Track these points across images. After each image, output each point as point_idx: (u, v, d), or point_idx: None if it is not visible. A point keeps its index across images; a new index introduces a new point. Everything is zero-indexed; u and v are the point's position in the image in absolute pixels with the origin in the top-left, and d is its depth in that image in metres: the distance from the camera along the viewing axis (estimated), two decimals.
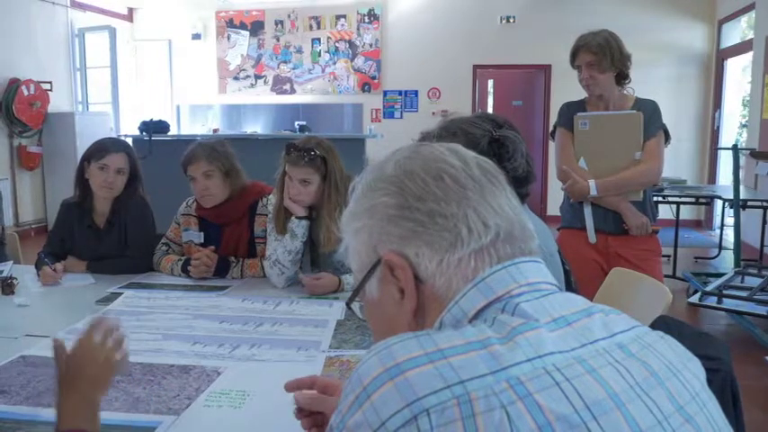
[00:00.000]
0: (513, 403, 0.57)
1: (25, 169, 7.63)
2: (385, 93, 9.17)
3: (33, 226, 7.61)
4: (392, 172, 0.74)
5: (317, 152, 2.21)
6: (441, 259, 0.70)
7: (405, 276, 0.71)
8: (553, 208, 7.55)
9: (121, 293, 2.22)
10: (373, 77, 9.16)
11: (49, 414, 1.32)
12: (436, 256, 0.70)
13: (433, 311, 0.71)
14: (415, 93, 9.09)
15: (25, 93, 7.37)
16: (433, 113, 8.74)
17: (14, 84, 7.29)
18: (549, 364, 0.60)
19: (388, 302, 0.73)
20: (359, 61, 9.18)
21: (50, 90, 7.78)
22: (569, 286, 1.74)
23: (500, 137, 1.51)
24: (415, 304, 0.72)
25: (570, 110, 2.73)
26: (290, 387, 1.09)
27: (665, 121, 2.68)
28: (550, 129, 2.87)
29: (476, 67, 8.92)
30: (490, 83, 9.44)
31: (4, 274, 2.29)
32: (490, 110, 9.21)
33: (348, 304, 0.79)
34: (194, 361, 1.61)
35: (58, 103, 7.95)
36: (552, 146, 2.95)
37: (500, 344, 0.61)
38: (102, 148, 2.48)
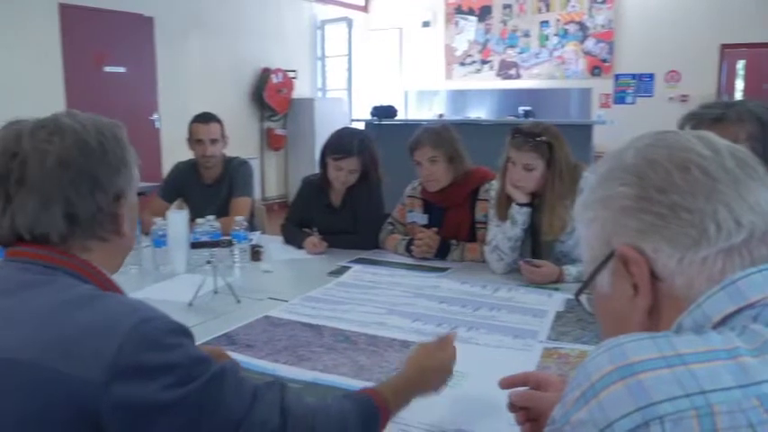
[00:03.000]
0: (763, 423, 0.51)
1: (272, 150, 8.50)
2: (617, 76, 8.65)
3: (277, 201, 8.44)
4: (632, 161, 0.70)
5: (544, 137, 2.16)
6: (681, 257, 0.64)
7: (640, 272, 0.67)
8: None
9: (350, 267, 2.39)
10: (604, 60, 8.69)
11: (284, 369, 1.47)
12: (676, 253, 0.65)
13: (671, 312, 0.65)
14: (651, 76, 8.44)
15: (274, 81, 8.18)
16: (671, 98, 8.07)
17: (266, 73, 8.13)
18: None
19: (619, 298, 0.69)
20: (589, 43, 8.77)
21: (295, 78, 8.54)
22: None
23: None
24: (650, 302, 0.67)
25: None
26: (504, 385, 1.09)
27: None
28: None
29: (724, 46, 8.03)
30: (740, 64, 8.44)
31: (253, 243, 2.58)
32: (738, 95, 8.24)
33: (576, 296, 0.76)
34: (414, 337, 1.67)
35: (301, 89, 8.71)
36: None
37: (751, 356, 0.55)
38: (340, 149, 2.63)
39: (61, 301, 0.88)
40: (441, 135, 2.48)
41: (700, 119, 1.46)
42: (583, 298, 0.77)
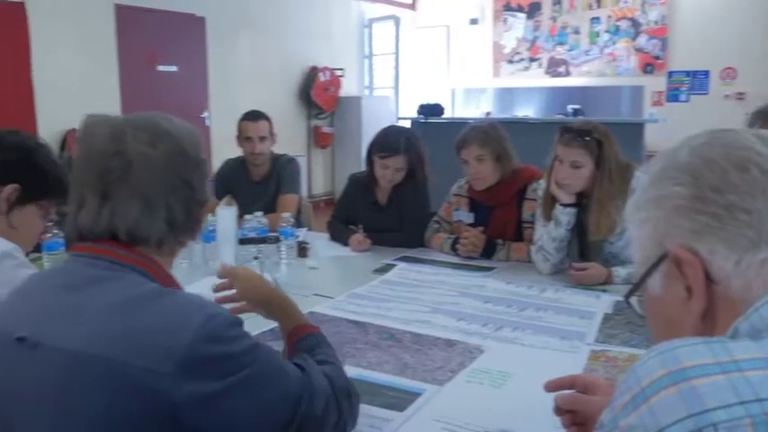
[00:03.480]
0: None
1: (319, 147, 8.56)
2: (670, 74, 8.42)
3: (323, 198, 8.50)
4: (686, 159, 0.68)
5: (594, 135, 2.12)
6: (738, 259, 0.63)
7: (694, 274, 0.65)
8: None
9: (395, 265, 2.39)
10: (657, 57, 8.47)
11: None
12: (733, 255, 0.63)
13: (726, 317, 0.63)
14: (705, 73, 8.19)
15: (321, 79, 8.24)
16: (726, 96, 7.82)
17: (313, 71, 8.20)
18: None
19: (672, 301, 0.68)
20: (641, 40, 8.56)
21: (342, 76, 8.59)
22: None
23: None
24: (704, 306, 0.65)
25: None
26: (550, 387, 1.08)
27: None
28: None
29: None
30: None
31: (300, 239, 2.61)
32: None
33: (626, 298, 0.75)
34: (459, 336, 1.66)
35: (348, 87, 8.75)
36: None
37: None
38: (387, 147, 2.65)
39: (129, 297, 0.91)
40: (488, 133, 2.46)
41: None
42: (633, 300, 0.75)
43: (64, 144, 5.41)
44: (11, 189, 1.40)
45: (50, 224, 1.55)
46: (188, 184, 1.00)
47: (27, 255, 1.42)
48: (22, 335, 0.91)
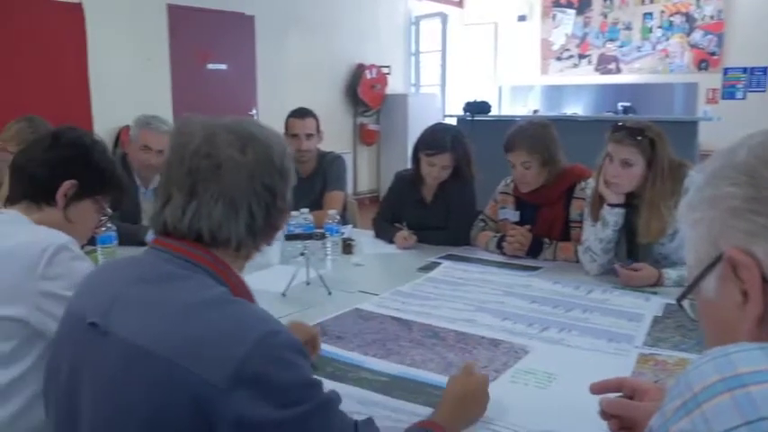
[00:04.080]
0: None
1: (364, 145, 8.60)
2: (725, 70, 8.16)
3: (368, 195, 8.53)
4: (743, 159, 0.65)
5: (647, 134, 2.07)
6: None
7: (751, 278, 0.63)
8: None
9: (440, 263, 2.38)
10: (712, 53, 8.22)
11: (373, 362, 1.49)
12: None
13: None
14: (764, 70, 7.90)
15: (368, 76, 8.27)
16: None
17: (360, 68, 8.23)
18: None
19: (726, 304, 0.65)
20: (696, 36, 8.32)
21: (389, 74, 8.60)
22: None
23: None
24: (761, 311, 0.63)
25: None
26: (596, 390, 1.05)
27: None
28: None
29: None
30: None
31: (345, 236, 2.63)
32: None
33: (679, 301, 0.73)
34: (503, 336, 1.65)
35: (394, 85, 8.75)
36: None
37: None
38: (433, 145, 2.63)
39: (198, 301, 0.92)
40: (536, 139, 2.39)
41: None
42: (686, 303, 0.73)
43: (117, 140, 5.56)
44: (68, 185, 1.44)
45: (104, 218, 1.60)
46: (271, 191, 1.02)
47: (82, 247, 1.46)
48: (93, 320, 0.95)
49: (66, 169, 1.44)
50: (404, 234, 2.63)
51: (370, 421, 1.01)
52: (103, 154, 1.53)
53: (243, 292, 1.02)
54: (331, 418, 0.91)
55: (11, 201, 1.45)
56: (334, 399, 0.94)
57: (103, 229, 2.20)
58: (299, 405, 0.86)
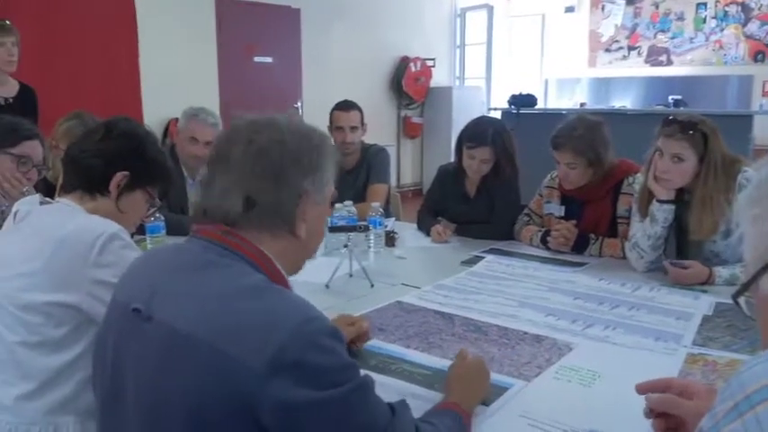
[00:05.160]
0: None
1: (408, 137, 8.59)
2: None
3: (411, 188, 8.53)
4: None
5: (699, 128, 2.01)
6: None
7: None
8: None
9: (483, 257, 2.37)
10: None
11: (414, 355, 1.49)
12: None
13: None
14: None
15: (413, 69, 8.25)
16: None
17: (404, 61, 8.21)
18: None
19: None
20: (752, 26, 8.03)
21: (433, 66, 8.56)
22: None
23: None
24: None
25: None
26: (642, 390, 1.03)
27: None
28: None
29: None
30: None
31: (389, 228, 2.63)
32: None
33: (735, 298, 0.71)
34: (547, 332, 1.63)
35: (438, 78, 8.71)
36: None
37: None
38: (474, 138, 2.61)
39: (238, 287, 0.94)
40: (584, 141, 2.32)
41: None
42: (742, 300, 0.71)
43: (166, 132, 5.68)
44: (121, 176, 1.48)
45: (153, 209, 1.64)
46: (280, 172, 1.03)
47: (132, 236, 1.50)
48: (137, 306, 0.97)
49: (121, 160, 1.48)
50: (438, 228, 2.62)
51: (403, 403, 1.02)
52: (156, 146, 1.57)
53: (279, 279, 1.03)
54: (369, 397, 0.93)
55: (64, 190, 1.50)
56: (370, 381, 0.95)
57: (152, 219, 2.25)
58: (340, 386, 0.87)
